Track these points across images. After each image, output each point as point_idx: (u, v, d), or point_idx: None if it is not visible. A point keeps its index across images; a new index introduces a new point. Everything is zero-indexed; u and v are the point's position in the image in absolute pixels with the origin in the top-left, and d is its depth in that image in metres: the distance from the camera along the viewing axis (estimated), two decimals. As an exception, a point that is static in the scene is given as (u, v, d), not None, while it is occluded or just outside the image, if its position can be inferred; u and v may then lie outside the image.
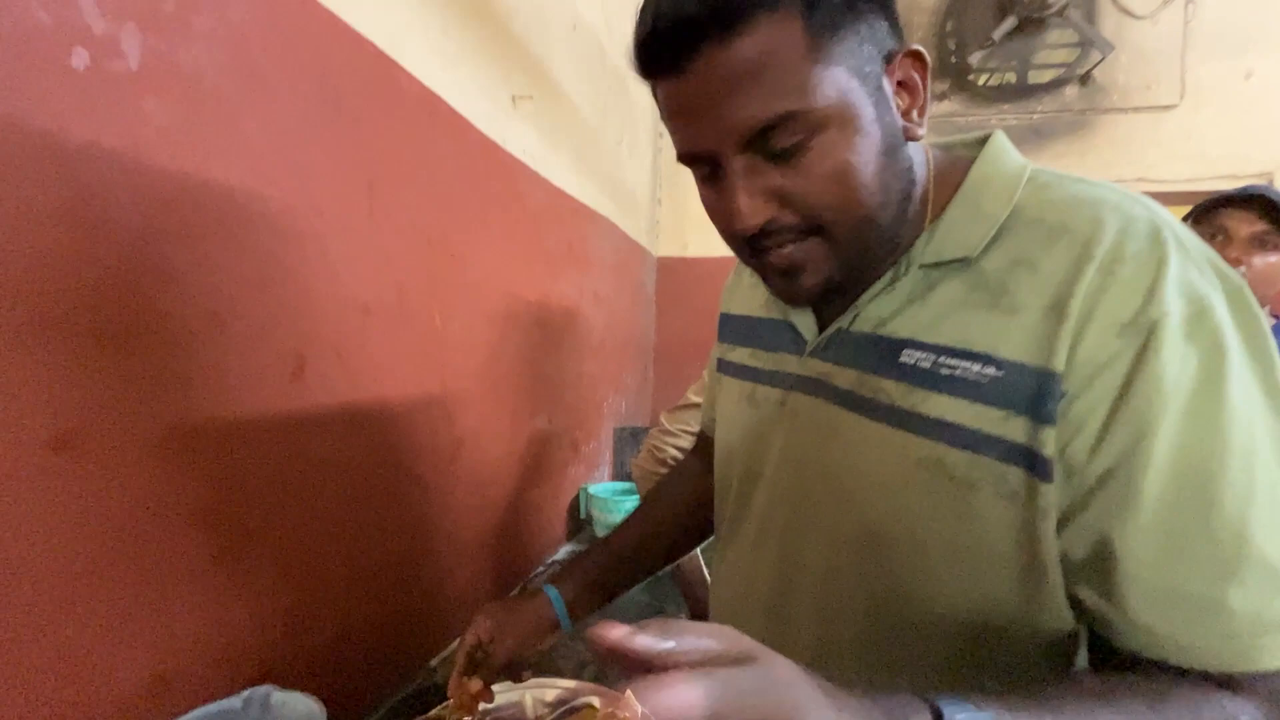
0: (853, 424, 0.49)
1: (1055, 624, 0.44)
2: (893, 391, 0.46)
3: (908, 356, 0.46)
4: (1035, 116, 2.31)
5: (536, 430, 1.46)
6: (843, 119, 0.41)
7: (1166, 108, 2.18)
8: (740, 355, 0.62)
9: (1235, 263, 1.05)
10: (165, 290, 0.63)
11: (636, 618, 0.30)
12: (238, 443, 0.70)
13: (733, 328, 0.65)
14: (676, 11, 0.39)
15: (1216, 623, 0.37)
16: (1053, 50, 2.24)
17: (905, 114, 0.45)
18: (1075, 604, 0.43)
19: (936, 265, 0.46)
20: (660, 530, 0.75)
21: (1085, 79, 2.23)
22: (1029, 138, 2.29)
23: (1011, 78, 2.28)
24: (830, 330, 0.52)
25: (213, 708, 0.62)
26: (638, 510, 0.77)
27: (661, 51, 0.41)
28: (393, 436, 0.95)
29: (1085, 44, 2.17)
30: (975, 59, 2.25)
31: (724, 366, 0.65)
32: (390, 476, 0.95)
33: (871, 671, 0.48)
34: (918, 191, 0.48)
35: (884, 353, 0.48)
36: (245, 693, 0.64)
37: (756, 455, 0.57)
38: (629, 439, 2.08)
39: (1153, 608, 0.38)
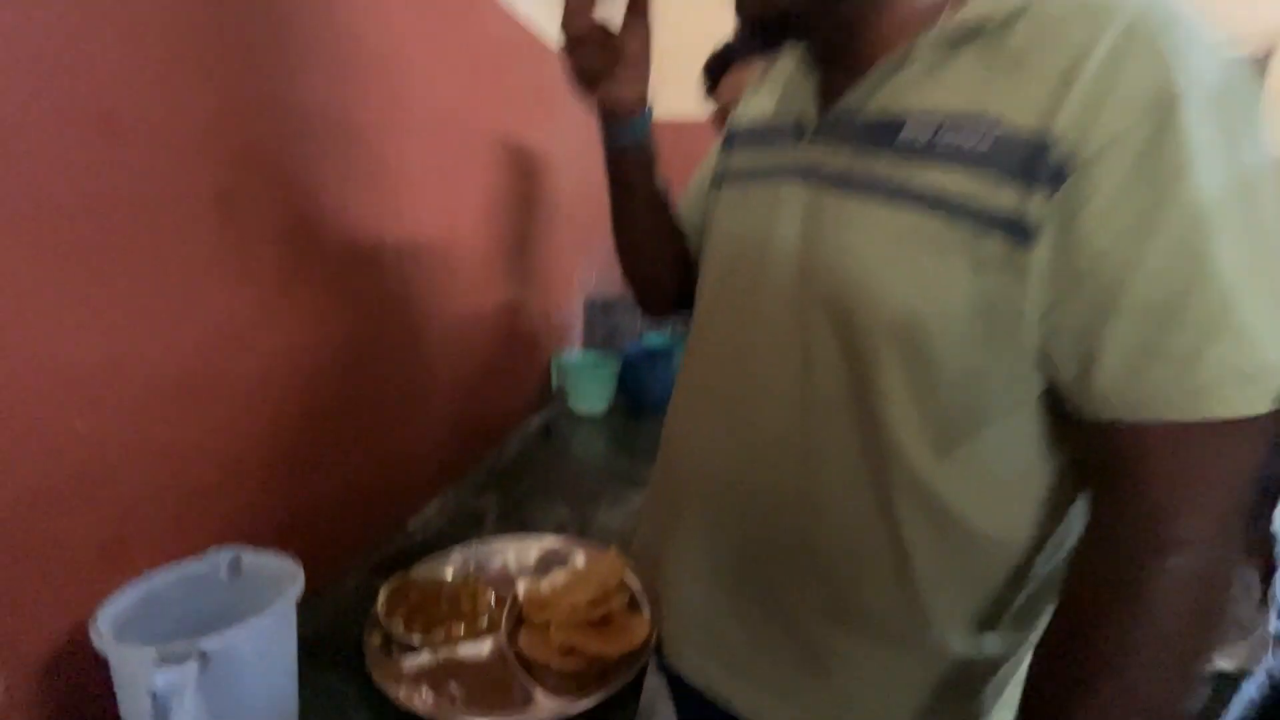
0: (840, 204, 0.49)
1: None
2: (885, 168, 0.47)
3: (906, 132, 0.46)
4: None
5: (505, 297, 1.40)
6: None
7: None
8: (741, 160, 0.62)
9: None
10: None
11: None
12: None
13: (739, 137, 0.65)
14: None
15: (1185, 374, 0.38)
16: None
17: None
18: (1044, 364, 0.44)
19: (955, 41, 0.45)
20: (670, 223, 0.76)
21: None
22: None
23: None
24: (831, 114, 0.51)
25: (172, 572, 0.58)
26: None
27: None
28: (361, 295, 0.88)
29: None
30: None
31: (722, 179, 0.64)
32: (351, 337, 0.89)
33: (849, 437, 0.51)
34: None
35: (882, 132, 0.47)
36: (210, 554, 0.60)
37: (746, 244, 0.57)
38: (600, 313, 2.03)
39: (1126, 361, 0.40)
